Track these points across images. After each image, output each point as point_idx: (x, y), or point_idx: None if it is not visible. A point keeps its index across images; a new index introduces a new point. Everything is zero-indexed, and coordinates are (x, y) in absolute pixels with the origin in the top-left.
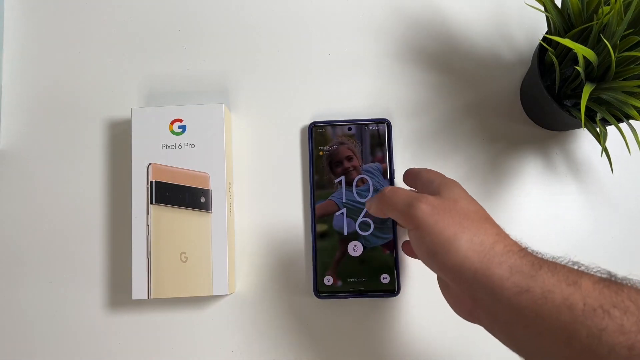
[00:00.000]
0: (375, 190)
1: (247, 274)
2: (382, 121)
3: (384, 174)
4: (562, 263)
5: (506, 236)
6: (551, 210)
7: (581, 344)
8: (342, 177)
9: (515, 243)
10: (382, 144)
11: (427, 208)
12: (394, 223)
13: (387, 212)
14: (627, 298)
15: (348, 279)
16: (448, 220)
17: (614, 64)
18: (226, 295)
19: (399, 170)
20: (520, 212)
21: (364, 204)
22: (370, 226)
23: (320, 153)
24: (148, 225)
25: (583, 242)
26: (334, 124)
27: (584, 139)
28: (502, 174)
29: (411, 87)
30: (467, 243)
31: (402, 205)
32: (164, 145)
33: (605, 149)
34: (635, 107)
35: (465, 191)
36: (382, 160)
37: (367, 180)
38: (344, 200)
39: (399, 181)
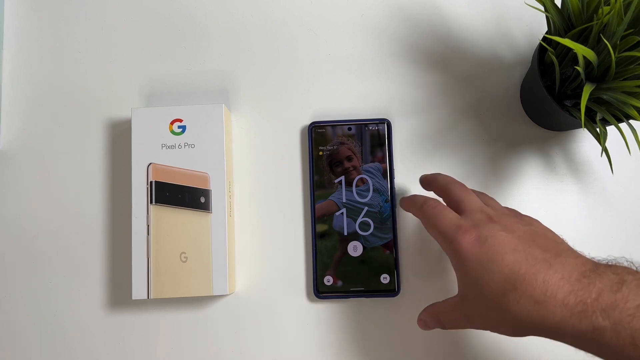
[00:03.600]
0: (376, 190)
1: (247, 274)
2: (382, 121)
3: (384, 174)
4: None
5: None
6: (551, 210)
7: None
8: (342, 177)
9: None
10: (382, 144)
11: (470, 241)
12: (394, 223)
13: (426, 227)
14: None
15: (348, 279)
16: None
17: (614, 64)
18: (226, 295)
19: (399, 170)
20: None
21: (364, 204)
22: (370, 226)
23: (320, 153)
24: (148, 225)
25: (583, 242)
26: (334, 124)
27: (584, 139)
28: (502, 174)
29: (411, 87)
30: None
31: (446, 231)
32: (164, 145)
33: (605, 149)
34: (635, 107)
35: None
36: (382, 160)
37: (367, 180)
38: (344, 200)
39: (399, 181)
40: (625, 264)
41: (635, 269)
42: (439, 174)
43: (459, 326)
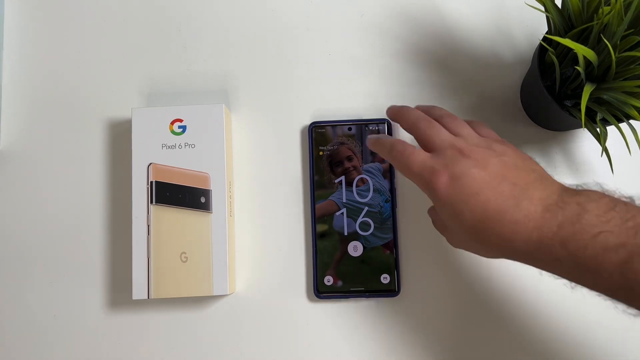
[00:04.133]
0: (376, 190)
1: (247, 274)
2: (382, 121)
3: (384, 174)
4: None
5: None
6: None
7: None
8: (342, 177)
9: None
10: None
11: (444, 183)
12: (394, 223)
13: (398, 170)
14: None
15: (348, 279)
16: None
17: (614, 64)
18: (226, 295)
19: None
20: None
21: (364, 204)
22: (370, 226)
23: (321, 153)
24: (148, 225)
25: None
26: (334, 124)
27: (584, 139)
28: None
29: (411, 87)
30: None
31: (416, 171)
32: (164, 145)
33: (605, 149)
34: (635, 107)
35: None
36: (383, 160)
37: (367, 181)
38: (344, 200)
39: (398, 181)
40: (594, 188)
41: (602, 192)
42: (406, 107)
43: (441, 232)
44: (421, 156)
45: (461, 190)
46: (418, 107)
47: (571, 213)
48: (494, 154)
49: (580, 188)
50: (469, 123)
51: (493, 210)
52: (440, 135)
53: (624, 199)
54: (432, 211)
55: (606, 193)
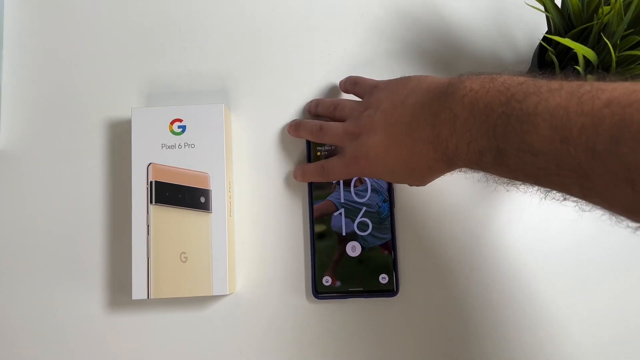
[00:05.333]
0: (374, 191)
1: (247, 274)
2: None
3: None
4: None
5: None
6: (551, 210)
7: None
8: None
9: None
10: None
11: (362, 167)
12: (392, 223)
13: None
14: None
15: (347, 279)
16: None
17: (614, 64)
18: (226, 295)
19: None
20: (520, 212)
21: (362, 204)
22: (368, 226)
23: (319, 154)
24: (148, 225)
25: (583, 242)
26: None
27: None
28: None
29: None
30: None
31: (347, 173)
32: (164, 145)
33: None
34: None
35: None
36: None
37: (365, 181)
38: (342, 201)
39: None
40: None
41: (479, 76)
42: (298, 122)
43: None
44: (335, 160)
45: (376, 160)
46: (311, 106)
47: (447, 121)
48: (373, 112)
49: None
50: (351, 88)
51: (406, 156)
52: (333, 132)
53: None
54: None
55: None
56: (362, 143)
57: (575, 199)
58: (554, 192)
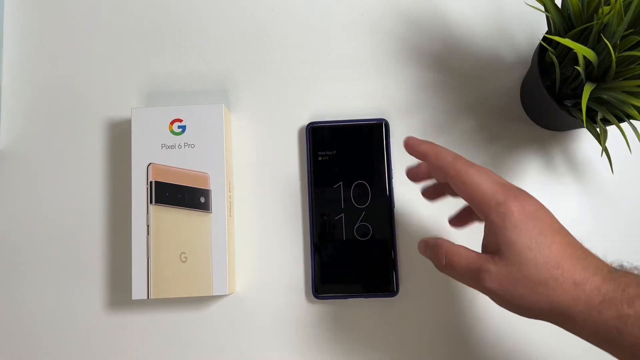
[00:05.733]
0: (374, 192)
1: (247, 274)
2: (379, 121)
3: (382, 174)
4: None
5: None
6: (551, 210)
7: None
8: (341, 178)
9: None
10: (380, 145)
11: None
12: (392, 224)
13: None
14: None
15: (346, 280)
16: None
17: (614, 64)
18: (226, 295)
19: (397, 171)
20: None
21: (362, 204)
22: (368, 227)
23: (320, 157)
24: (148, 225)
25: (583, 242)
26: (332, 124)
27: (584, 139)
28: (502, 174)
29: (410, 87)
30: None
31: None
32: (163, 145)
33: (605, 149)
34: (635, 107)
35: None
36: (380, 161)
37: (366, 181)
38: (343, 202)
39: (397, 182)
40: (636, 272)
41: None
42: (437, 147)
43: (463, 277)
44: (490, 178)
45: (541, 222)
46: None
47: (635, 279)
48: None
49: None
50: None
51: (569, 254)
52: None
53: None
54: (448, 244)
55: None
56: (533, 200)
57: None
58: None
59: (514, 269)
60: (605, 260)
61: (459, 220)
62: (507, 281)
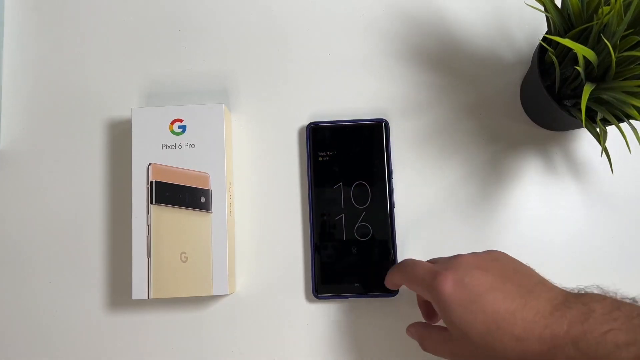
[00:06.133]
0: (374, 192)
1: (247, 274)
2: (379, 121)
3: (382, 175)
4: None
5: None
6: (551, 210)
7: None
8: (341, 179)
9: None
10: (380, 145)
11: (450, 285)
12: (392, 224)
13: (406, 283)
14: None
15: (347, 280)
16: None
17: (614, 64)
18: (226, 295)
19: (397, 171)
20: (520, 212)
21: (362, 205)
22: (368, 227)
23: (320, 157)
24: (148, 225)
25: (583, 243)
26: (332, 124)
27: (584, 139)
28: (502, 174)
29: (410, 87)
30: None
31: (422, 277)
32: (164, 145)
33: (605, 149)
34: (635, 107)
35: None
36: (380, 161)
37: (366, 182)
38: (343, 202)
39: (397, 182)
40: (596, 291)
41: (604, 294)
42: (391, 272)
43: (439, 355)
44: (425, 265)
45: (469, 291)
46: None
47: (578, 312)
48: (491, 259)
49: (581, 291)
50: None
51: (504, 310)
52: (437, 261)
53: (627, 300)
54: (421, 330)
55: (607, 295)
56: (466, 267)
57: None
58: None
59: (464, 345)
60: (552, 289)
61: (427, 316)
62: (465, 355)
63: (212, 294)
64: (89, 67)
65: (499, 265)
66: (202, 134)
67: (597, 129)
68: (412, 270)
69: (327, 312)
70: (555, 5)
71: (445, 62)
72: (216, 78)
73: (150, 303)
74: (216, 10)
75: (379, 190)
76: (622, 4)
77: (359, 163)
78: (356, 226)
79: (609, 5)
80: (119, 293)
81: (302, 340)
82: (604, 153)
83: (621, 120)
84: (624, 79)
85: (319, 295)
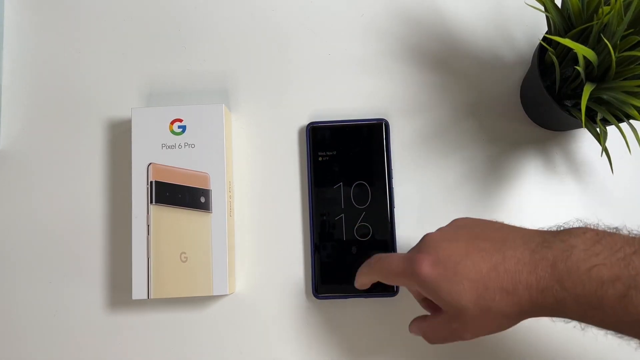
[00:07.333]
0: (374, 192)
1: (247, 274)
2: (379, 121)
3: (382, 174)
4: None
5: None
6: (551, 210)
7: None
8: (341, 179)
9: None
10: (380, 145)
11: (428, 266)
12: (392, 224)
13: (382, 279)
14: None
15: (347, 279)
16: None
17: (614, 64)
18: (226, 295)
19: (397, 171)
20: (520, 212)
21: (362, 205)
22: (368, 227)
23: (320, 157)
24: (148, 225)
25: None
26: (332, 124)
27: (584, 139)
28: (502, 174)
29: (410, 87)
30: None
31: (399, 268)
32: (164, 145)
33: (605, 149)
34: (635, 107)
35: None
36: (380, 161)
37: (366, 182)
38: (343, 202)
39: (397, 182)
40: (576, 224)
41: (585, 227)
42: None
43: (446, 342)
44: (395, 255)
45: (446, 264)
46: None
47: (558, 251)
48: (457, 228)
49: (560, 228)
50: None
51: (486, 269)
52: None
53: (609, 230)
54: (420, 323)
55: (589, 227)
56: (434, 243)
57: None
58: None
59: (464, 319)
60: (526, 232)
61: (432, 309)
62: (468, 330)
63: (212, 294)
64: (89, 67)
65: (466, 231)
66: (202, 134)
67: (597, 129)
68: (385, 264)
69: (327, 312)
70: (555, 5)
71: (445, 62)
72: (216, 78)
73: (150, 303)
74: (216, 11)
75: (379, 190)
76: (622, 4)
77: (359, 163)
78: (356, 226)
79: (609, 5)
80: (119, 293)
81: (302, 340)
82: (604, 153)
83: (621, 120)
84: (624, 79)
85: (319, 295)
